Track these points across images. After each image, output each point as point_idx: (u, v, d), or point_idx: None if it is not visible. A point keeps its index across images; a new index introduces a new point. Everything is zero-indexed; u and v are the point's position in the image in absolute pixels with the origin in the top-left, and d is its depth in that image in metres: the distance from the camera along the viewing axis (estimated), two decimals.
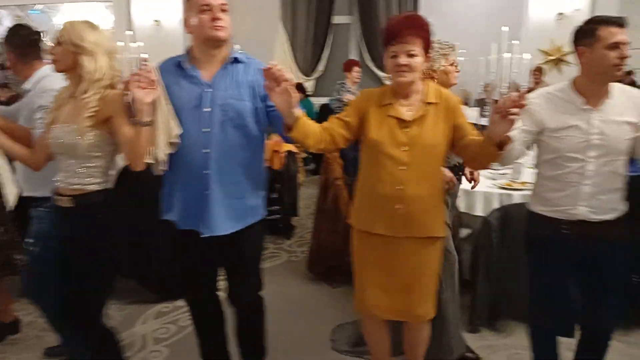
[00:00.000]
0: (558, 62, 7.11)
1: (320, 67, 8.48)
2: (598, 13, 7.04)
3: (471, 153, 1.93)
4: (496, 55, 4.57)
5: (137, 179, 2.10)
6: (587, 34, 1.87)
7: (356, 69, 6.11)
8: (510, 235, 2.80)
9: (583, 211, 1.93)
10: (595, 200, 1.92)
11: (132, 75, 1.81)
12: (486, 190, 3.10)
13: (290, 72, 1.76)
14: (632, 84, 8.02)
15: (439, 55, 2.44)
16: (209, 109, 1.94)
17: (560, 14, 7.27)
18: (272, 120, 2.01)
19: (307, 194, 5.61)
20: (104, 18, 8.10)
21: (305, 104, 6.78)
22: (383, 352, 2.30)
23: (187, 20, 1.96)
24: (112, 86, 1.93)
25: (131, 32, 6.54)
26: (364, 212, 2.05)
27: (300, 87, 7.10)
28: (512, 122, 1.69)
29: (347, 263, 3.18)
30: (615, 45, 1.81)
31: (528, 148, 2.04)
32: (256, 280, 2.25)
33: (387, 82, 2.06)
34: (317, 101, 7.71)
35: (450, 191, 2.46)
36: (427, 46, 1.90)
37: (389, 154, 1.92)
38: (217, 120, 1.94)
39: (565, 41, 4.78)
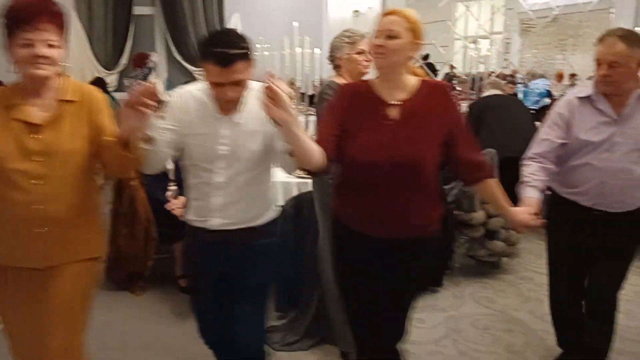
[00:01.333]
0: None
1: (124, 60, 7.79)
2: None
3: (107, 157, 1.65)
4: (289, 50, 4.49)
5: None
6: (202, 57, 1.64)
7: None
8: (302, 221, 2.86)
9: (218, 222, 1.81)
10: (229, 212, 1.80)
11: None
12: (285, 180, 3.04)
13: None
14: (425, 58, 8.69)
15: (344, 44, 2.36)
16: None
17: (356, 11, 7.80)
18: None
19: (103, 198, 4.67)
20: None
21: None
22: None
23: None
24: None
25: None
26: None
27: (100, 82, 6.50)
28: (142, 116, 1.47)
29: (151, 268, 3.28)
30: (217, 85, 1.64)
31: (174, 150, 1.81)
32: None
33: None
34: (121, 96, 6.96)
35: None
36: (61, 37, 1.60)
37: (17, 168, 1.57)
38: None
39: None
